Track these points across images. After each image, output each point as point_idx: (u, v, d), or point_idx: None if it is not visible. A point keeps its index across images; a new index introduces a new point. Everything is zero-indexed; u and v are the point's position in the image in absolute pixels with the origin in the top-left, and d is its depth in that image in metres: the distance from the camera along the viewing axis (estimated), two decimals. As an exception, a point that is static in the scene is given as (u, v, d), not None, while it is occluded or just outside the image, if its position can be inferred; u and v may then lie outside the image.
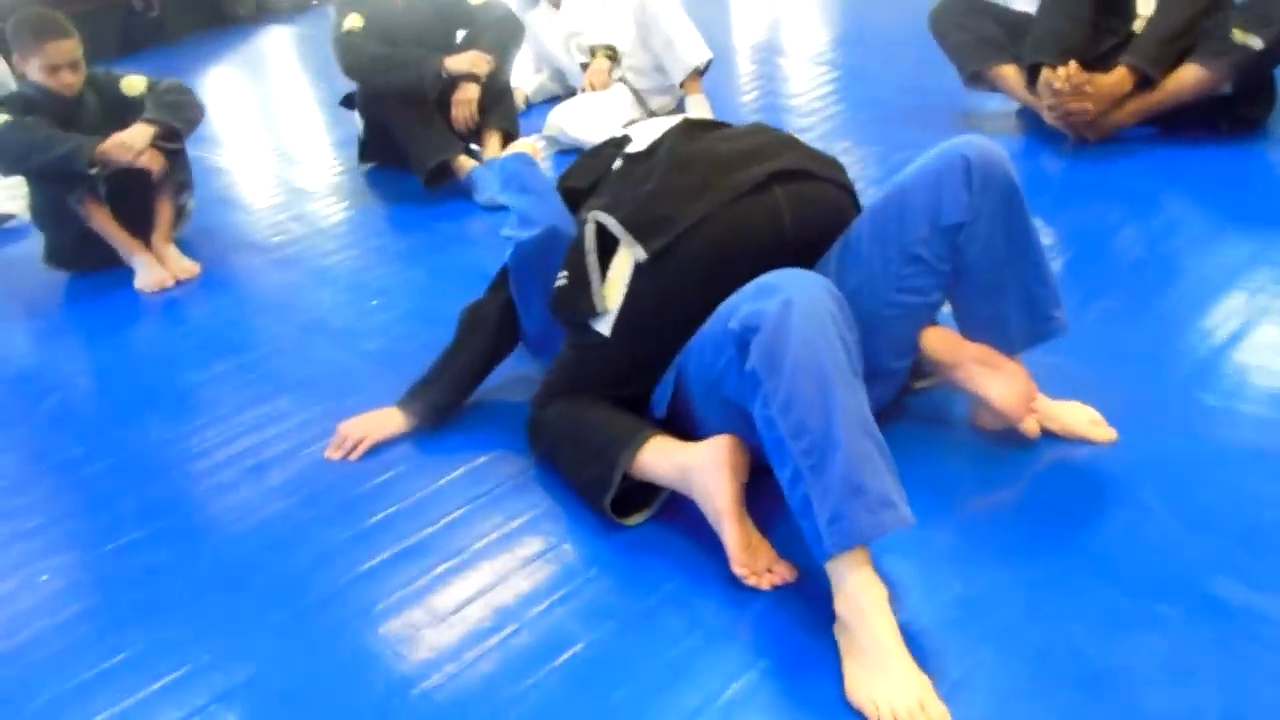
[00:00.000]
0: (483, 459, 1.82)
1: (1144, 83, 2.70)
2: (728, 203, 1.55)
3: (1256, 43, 2.56)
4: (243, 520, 1.76)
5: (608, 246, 1.62)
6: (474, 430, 1.92)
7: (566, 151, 3.53)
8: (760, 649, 1.32)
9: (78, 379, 2.44)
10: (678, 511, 1.57)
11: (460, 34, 3.47)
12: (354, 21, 3.21)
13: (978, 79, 3.06)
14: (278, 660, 1.43)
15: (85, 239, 2.97)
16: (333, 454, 1.92)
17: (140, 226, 2.98)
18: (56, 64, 2.86)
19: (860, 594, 1.23)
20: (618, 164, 1.78)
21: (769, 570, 1.41)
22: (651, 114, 3.55)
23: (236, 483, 1.87)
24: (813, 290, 1.32)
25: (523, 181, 1.88)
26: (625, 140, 1.86)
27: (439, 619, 1.45)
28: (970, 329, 1.61)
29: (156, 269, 2.91)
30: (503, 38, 3.32)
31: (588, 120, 3.46)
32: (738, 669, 1.29)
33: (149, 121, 2.85)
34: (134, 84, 3.04)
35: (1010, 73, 2.97)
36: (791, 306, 1.29)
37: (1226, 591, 1.29)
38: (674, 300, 1.57)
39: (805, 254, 1.60)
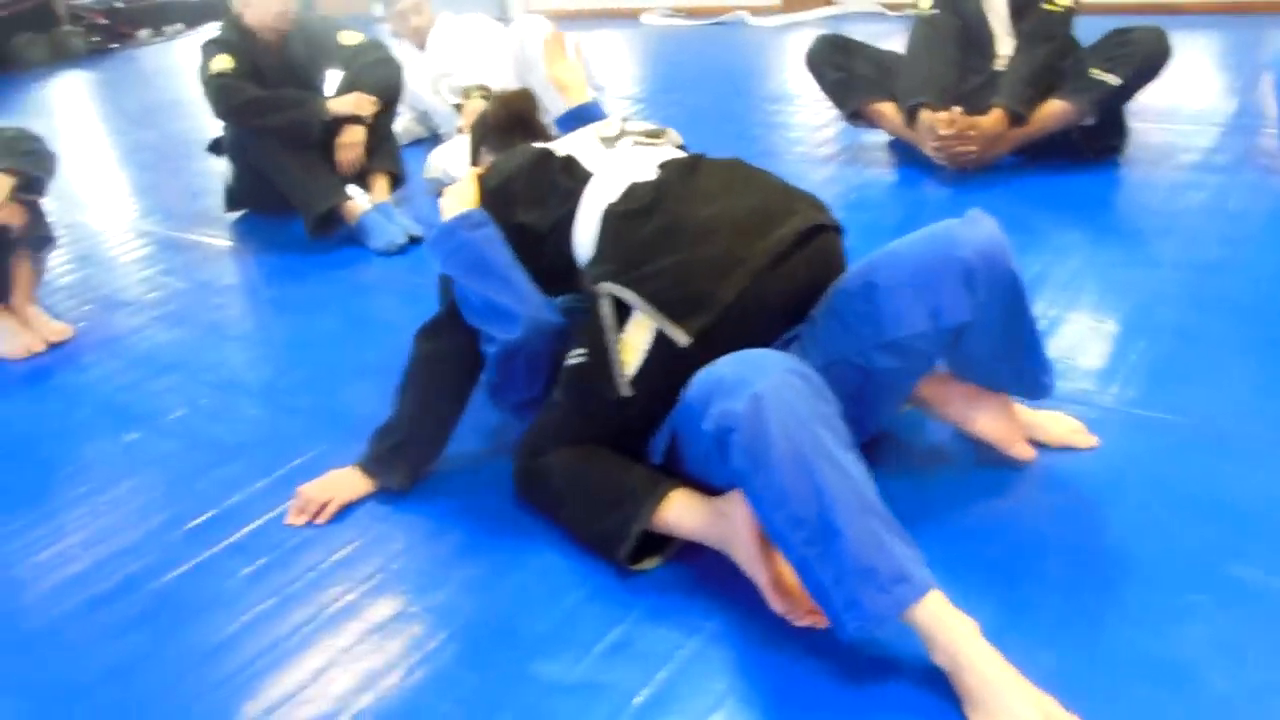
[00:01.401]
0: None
1: (1016, 121, 2.92)
2: (758, 276, 1.50)
3: (1114, 80, 2.83)
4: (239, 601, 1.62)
5: (618, 314, 1.55)
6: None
7: (448, 194, 3.47)
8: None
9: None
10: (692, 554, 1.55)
11: (331, 75, 3.35)
12: (224, 63, 3.04)
13: (857, 116, 3.22)
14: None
15: (-68, 304, 2.67)
16: (294, 519, 1.78)
17: (-8, 288, 2.71)
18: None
19: (947, 638, 1.22)
20: (595, 209, 1.67)
21: (810, 612, 1.36)
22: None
23: (225, 562, 1.71)
24: (779, 377, 1.29)
25: (480, 258, 1.71)
26: (574, 167, 1.77)
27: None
28: (959, 376, 1.65)
29: (22, 333, 2.64)
30: (385, 79, 3.23)
31: (469, 162, 3.39)
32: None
33: (7, 172, 2.59)
34: (-28, 133, 2.76)
35: (888, 109, 3.14)
36: (762, 400, 1.27)
37: (1247, 575, 1.39)
38: (694, 368, 1.47)
39: (807, 308, 1.58)
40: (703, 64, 5.09)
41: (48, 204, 2.80)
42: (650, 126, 1.94)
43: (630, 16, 6.49)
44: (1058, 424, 1.72)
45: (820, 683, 1.31)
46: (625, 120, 1.91)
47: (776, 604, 1.37)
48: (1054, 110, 2.90)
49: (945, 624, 1.22)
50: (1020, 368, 1.60)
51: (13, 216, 2.59)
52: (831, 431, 1.28)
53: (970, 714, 1.20)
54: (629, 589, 1.51)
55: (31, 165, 2.65)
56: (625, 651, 1.39)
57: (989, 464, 1.68)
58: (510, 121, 2.10)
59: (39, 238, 2.78)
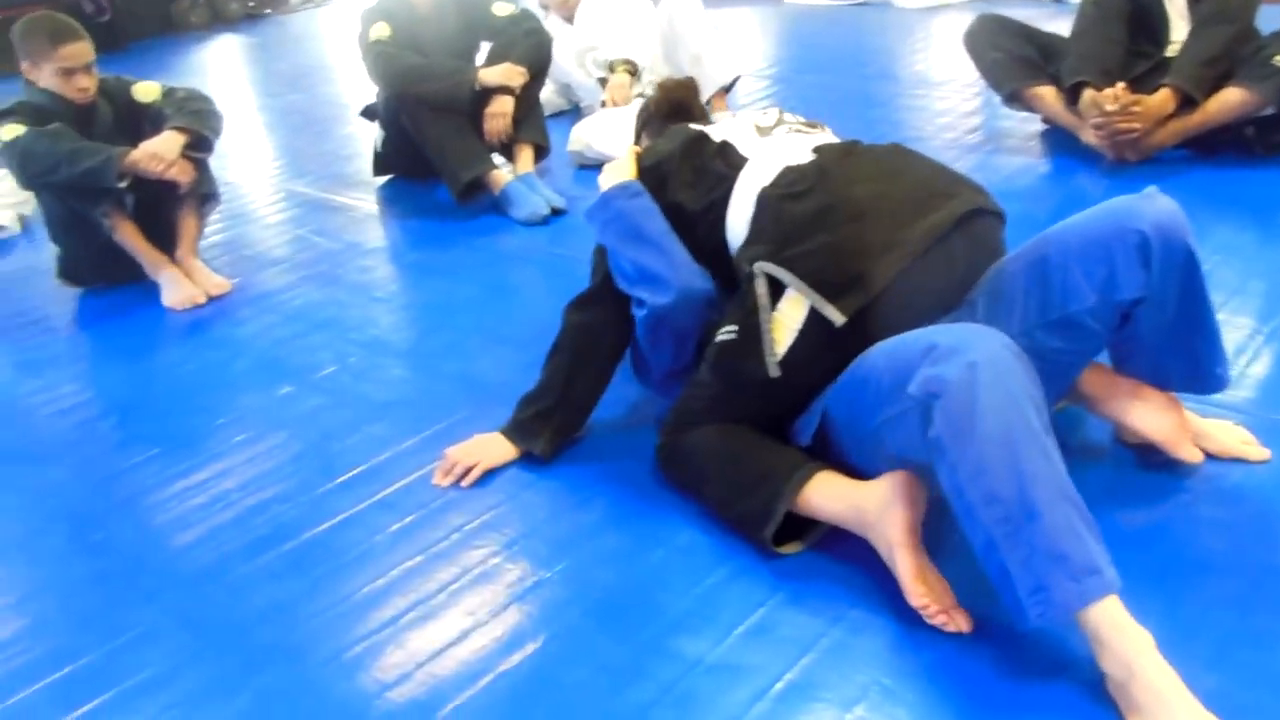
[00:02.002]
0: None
1: (1185, 104, 2.78)
2: (916, 258, 1.48)
3: (1298, 68, 2.65)
4: (382, 555, 1.68)
5: (771, 293, 1.54)
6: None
7: (589, 166, 3.49)
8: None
9: (131, 402, 2.30)
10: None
11: (484, 46, 3.40)
12: (381, 30, 3.13)
13: (1015, 98, 3.11)
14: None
15: (105, 253, 2.81)
16: (441, 480, 1.83)
17: (161, 239, 2.84)
18: (72, 68, 2.71)
19: (1123, 647, 1.18)
20: (750, 192, 1.67)
21: (947, 611, 1.35)
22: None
23: (374, 517, 1.76)
24: (996, 350, 1.26)
25: (636, 226, 1.74)
26: (729, 152, 1.78)
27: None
28: (1123, 368, 1.60)
29: (186, 285, 2.77)
30: (535, 51, 3.26)
31: (613, 136, 3.41)
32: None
33: (180, 130, 2.71)
34: (147, 90, 2.90)
35: (1048, 93, 3.02)
36: (977, 369, 1.24)
37: None
38: (847, 348, 1.49)
39: (964, 293, 1.56)
40: (846, 45, 4.99)
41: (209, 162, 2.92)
42: (805, 119, 1.92)
43: (773, -6, 6.40)
44: (1227, 434, 1.64)
45: (964, 678, 1.28)
46: (782, 111, 1.90)
47: (915, 597, 1.35)
48: (1229, 98, 2.74)
49: (1124, 630, 1.18)
50: (1192, 356, 1.53)
51: (183, 173, 2.70)
52: (1038, 413, 1.25)
53: None
54: (772, 572, 1.51)
55: (201, 124, 2.77)
56: (767, 635, 1.39)
57: (1150, 469, 1.62)
58: (672, 109, 2.13)
59: (205, 194, 2.91)
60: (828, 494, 1.48)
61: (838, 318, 1.47)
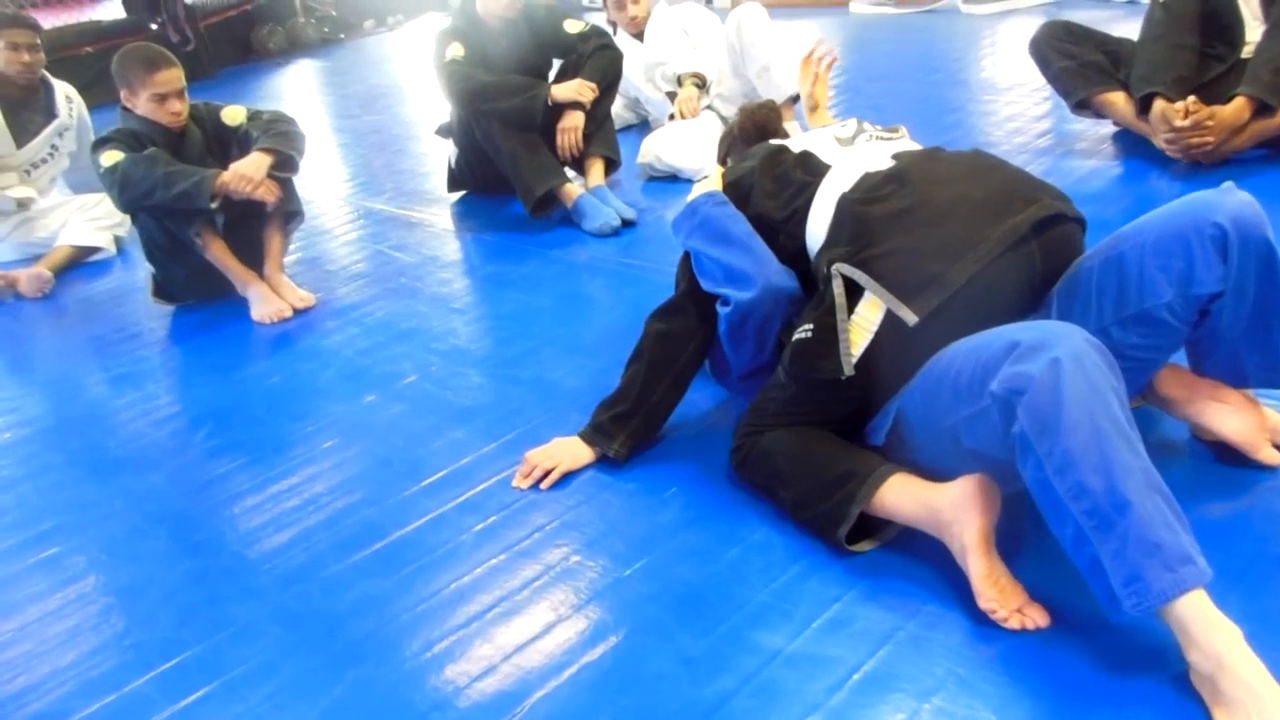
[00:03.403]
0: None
1: (1261, 111, 2.74)
2: (992, 260, 1.49)
3: (1378, 67, 2.61)
4: (464, 554, 1.74)
5: (848, 295, 1.56)
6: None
7: (658, 178, 3.55)
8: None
9: (223, 411, 2.40)
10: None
11: (556, 63, 3.49)
12: (456, 51, 3.22)
13: (1084, 106, 3.10)
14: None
15: (198, 272, 2.94)
16: (521, 483, 1.89)
17: (249, 257, 2.96)
18: (166, 93, 2.85)
19: (1212, 640, 1.17)
20: (830, 198, 1.69)
21: (1019, 610, 1.37)
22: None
23: (458, 518, 1.83)
24: (1079, 345, 1.27)
25: (722, 229, 1.80)
26: (810, 162, 1.81)
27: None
28: (1201, 367, 1.60)
29: (274, 300, 2.88)
30: (605, 66, 3.33)
31: (682, 148, 3.47)
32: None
33: (266, 151, 2.83)
34: (234, 114, 3.03)
35: (1118, 99, 3.00)
36: (1060, 365, 1.25)
37: None
38: (923, 350, 1.51)
39: (1040, 297, 1.57)
40: (915, 52, 4.99)
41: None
42: (885, 126, 1.95)
43: (839, 4, 6.42)
44: (1310, 432, 1.63)
45: (1040, 669, 1.30)
46: (861, 121, 1.93)
47: (985, 600, 1.37)
48: (1306, 102, 2.71)
49: (1213, 622, 1.18)
50: (1272, 349, 1.51)
51: (270, 193, 2.82)
52: (1122, 406, 1.26)
53: (1219, 715, 1.17)
54: (846, 568, 1.53)
55: (286, 145, 2.88)
56: (845, 628, 1.42)
57: (1229, 465, 1.61)
58: (755, 131, 2.18)
59: (290, 212, 3.02)
60: (903, 496, 1.51)
61: (911, 318, 1.49)
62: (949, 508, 1.43)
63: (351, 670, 1.49)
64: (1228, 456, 1.62)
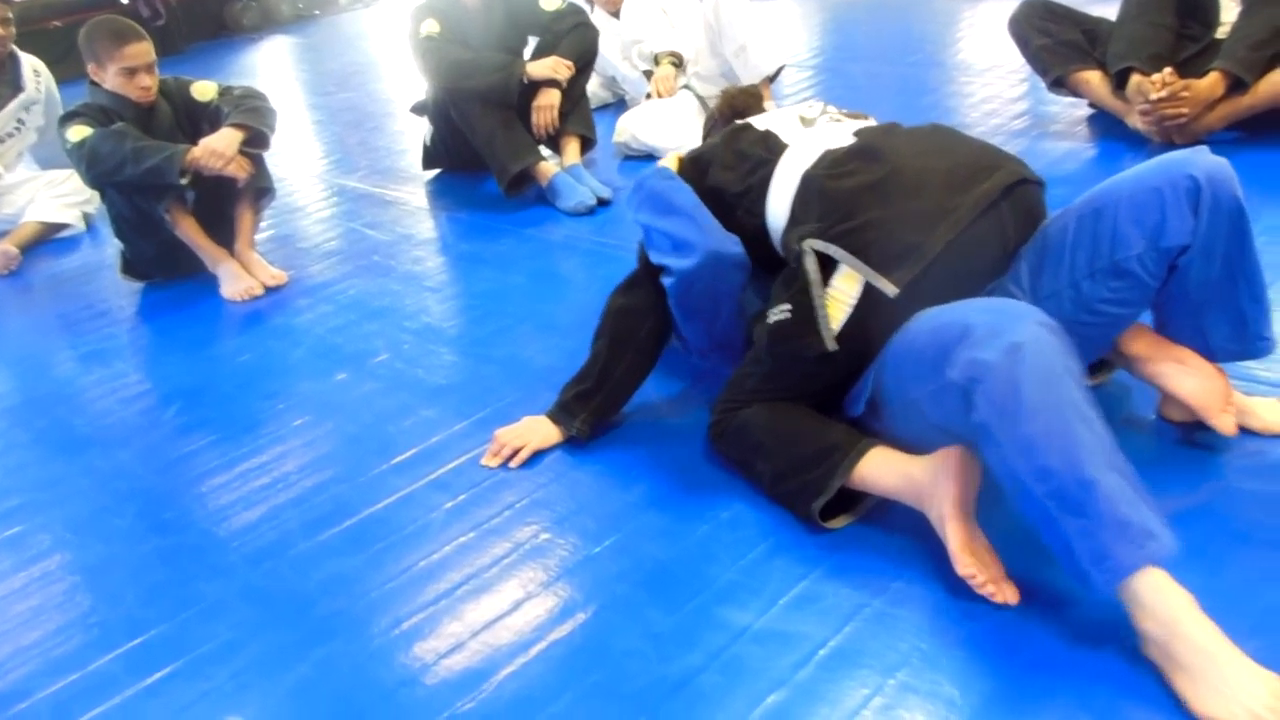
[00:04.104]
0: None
1: (1235, 87, 2.76)
2: (966, 227, 1.51)
3: (1350, 49, 2.62)
4: (438, 531, 1.73)
5: (821, 269, 1.57)
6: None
7: (634, 157, 3.54)
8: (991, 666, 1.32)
9: (192, 389, 2.38)
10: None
11: (532, 40, 3.46)
12: (431, 27, 3.19)
13: (1060, 84, 3.10)
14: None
15: (167, 248, 2.91)
16: (490, 461, 1.89)
17: (219, 233, 2.93)
18: (135, 67, 2.81)
19: (1164, 607, 1.20)
20: (792, 175, 1.70)
21: (995, 581, 1.37)
22: (716, 120, 3.54)
23: (428, 496, 1.82)
24: (1034, 329, 1.28)
25: (667, 200, 1.80)
26: (771, 140, 1.82)
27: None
28: (1168, 330, 1.62)
29: (244, 277, 2.86)
30: (581, 44, 3.31)
31: (658, 127, 3.46)
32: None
33: (237, 127, 2.80)
34: (205, 89, 2.99)
35: (1095, 78, 3.01)
36: (1017, 350, 1.26)
37: None
38: (900, 321, 1.51)
39: (1011, 260, 1.59)
40: (890, 33, 4.98)
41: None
42: (849, 111, 1.95)
43: (816, -16, 6.39)
44: (1271, 410, 1.64)
45: (1004, 645, 1.31)
46: (826, 104, 1.94)
47: (965, 567, 1.37)
48: (1278, 81, 2.72)
49: (1166, 591, 1.20)
50: (1238, 315, 1.53)
51: (240, 169, 2.79)
52: (1079, 387, 1.27)
53: (1182, 683, 1.18)
54: (814, 546, 1.54)
55: (257, 121, 2.85)
56: (812, 605, 1.42)
57: (1192, 445, 1.63)
58: (734, 116, 2.18)
59: (261, 189, 2.99)
60: (883, 468, 1.51)
61: (891, 289, 1.50)
62: (928, 479, 1.44)
63: (319, 647, 1.49)
64: (1192, 435, 1.64)
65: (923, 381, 1.41)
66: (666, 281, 1.79)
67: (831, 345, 1.55)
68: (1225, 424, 1.59)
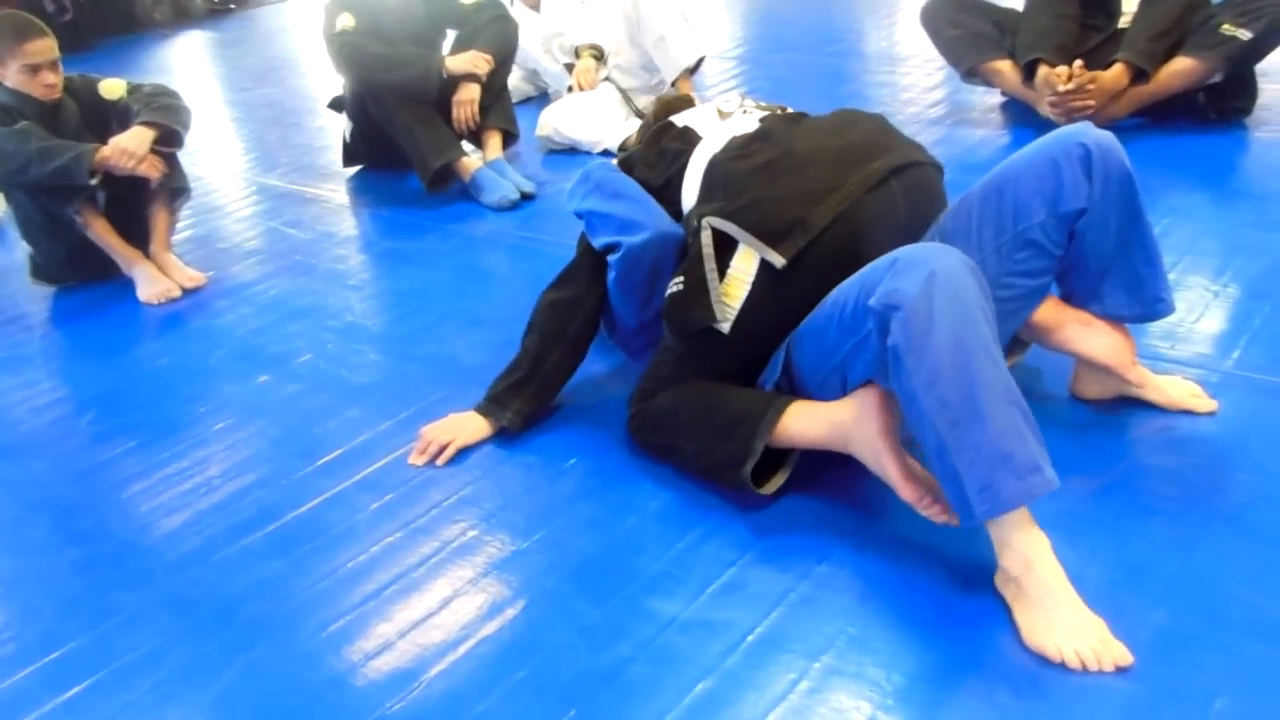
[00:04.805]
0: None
1: (1138, 77, 2.85)
2: (854, 201, 1.56)
3: (1245, 35, 2.72)
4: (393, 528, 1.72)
5: (722, 249, 1.62)
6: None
7: (558, 151, 3.53)
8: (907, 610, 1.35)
9: (109, 395, 2.32)
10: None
11: (450, 34, 3.43)
12: (347, 21, 3.15)
13: (973, 74, 3.17)
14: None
15: (79, 251, 2.83)
16: (417, 460, 1.87)
17: (134, 235, 2.86)
18: (38, 64, 2.71)
19: (1025, 546, 1.29)
20: (701, 162, 1.77)
21: (940, 504, 1.40)
22: (639, 113, 3.55)
23: (355, 497, 1.80)
24: (952, 264, 1.34)
25: (614, 187, 1.86)
26: (688, 134, 1.87)
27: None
28: (1073, 298, 1.67)
29: (161, 280, 2.79)
30: (501, 37, 3.29)
31: (580, 120, 3.45)
32: (890, 628, 1.32)
33: (148, 125, 2.73)
34: (113, 87, 2.91)
35: (1005, 68, 3.08)
36: (935, 280, 1.31)
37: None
38: (799, 297, 1.57)
39: (912, 239, 1.62)
40: (812, 23, 5.03)
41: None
42: (768, 103, 1.99)
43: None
44: (1176, 387, 1.71)
45: (928, 625, 1.34)
46: (744, 96, 1.98)
47: (907, 493, 1.41)
48: (1180, 68, 2.81)
49: (1029, 531, 1.30)
50: (1136, 278, 1.61)
51: (153, 168, 2.72)
52: (988, 324, 1.33)
53: (1023, 616, 1.29)
54: (741, 532, 1.56)
55: (169, 119, 2.78)
56: (738, 592, 1.44)
57: (1103, 423, 1.68)
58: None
59: (176, 189, 2.92)
60: (804, 419, 1.55)
61: (778, 260, 1.55)
62: (852, 418, 1.48)
63: (245, 653, 1.47)
64: (1103, 412, 1.69)
65: (847, 337, 1.45)
66: (612, 260, 1.81)
67: (720, 315, 1.60)
68: (1140, 376, 1.67)
